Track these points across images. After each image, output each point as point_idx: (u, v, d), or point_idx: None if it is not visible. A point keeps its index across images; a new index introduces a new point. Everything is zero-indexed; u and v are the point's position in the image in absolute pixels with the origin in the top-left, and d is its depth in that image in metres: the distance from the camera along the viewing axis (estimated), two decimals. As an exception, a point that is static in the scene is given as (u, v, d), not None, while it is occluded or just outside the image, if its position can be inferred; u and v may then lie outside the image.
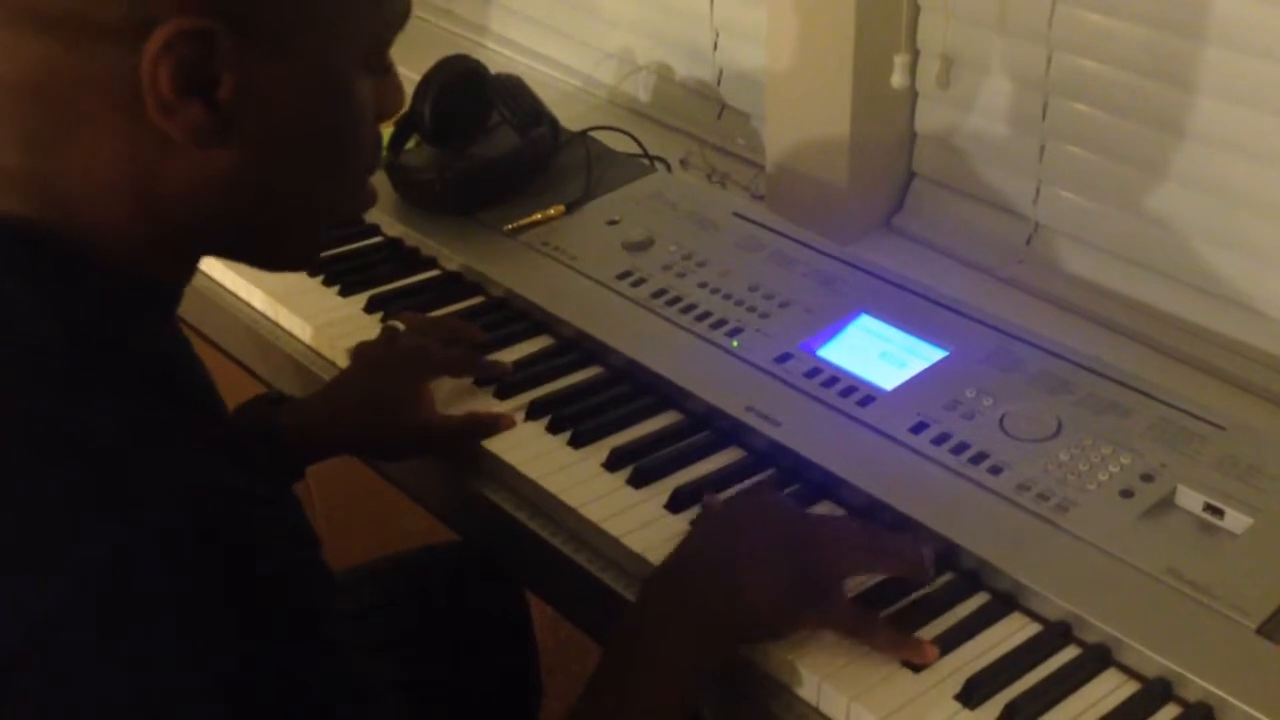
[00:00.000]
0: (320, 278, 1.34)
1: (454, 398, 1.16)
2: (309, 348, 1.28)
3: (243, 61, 0.66)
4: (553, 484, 1.05)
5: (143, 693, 0.59)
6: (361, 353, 1.17)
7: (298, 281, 1.34)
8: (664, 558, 0.93)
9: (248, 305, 1.34)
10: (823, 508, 1.02)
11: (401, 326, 1.18)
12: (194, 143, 0.67)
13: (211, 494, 0.62)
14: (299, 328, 1.29)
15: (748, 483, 1.05)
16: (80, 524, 0.59)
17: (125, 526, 0.59)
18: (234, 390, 1.01)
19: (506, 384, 1.17)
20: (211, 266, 1.38)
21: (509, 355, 1.22)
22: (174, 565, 0.59)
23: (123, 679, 0.59)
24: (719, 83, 1.76)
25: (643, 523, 1.01)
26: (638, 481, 1.05)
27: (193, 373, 0.77)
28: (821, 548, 0.90)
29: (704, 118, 1.79)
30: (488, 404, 1.15)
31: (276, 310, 1.31)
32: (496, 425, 1.11)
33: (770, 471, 1.06)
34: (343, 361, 1.23)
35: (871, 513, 1.00)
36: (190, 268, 0.76)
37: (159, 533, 0.59)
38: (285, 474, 1.12)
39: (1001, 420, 1.06)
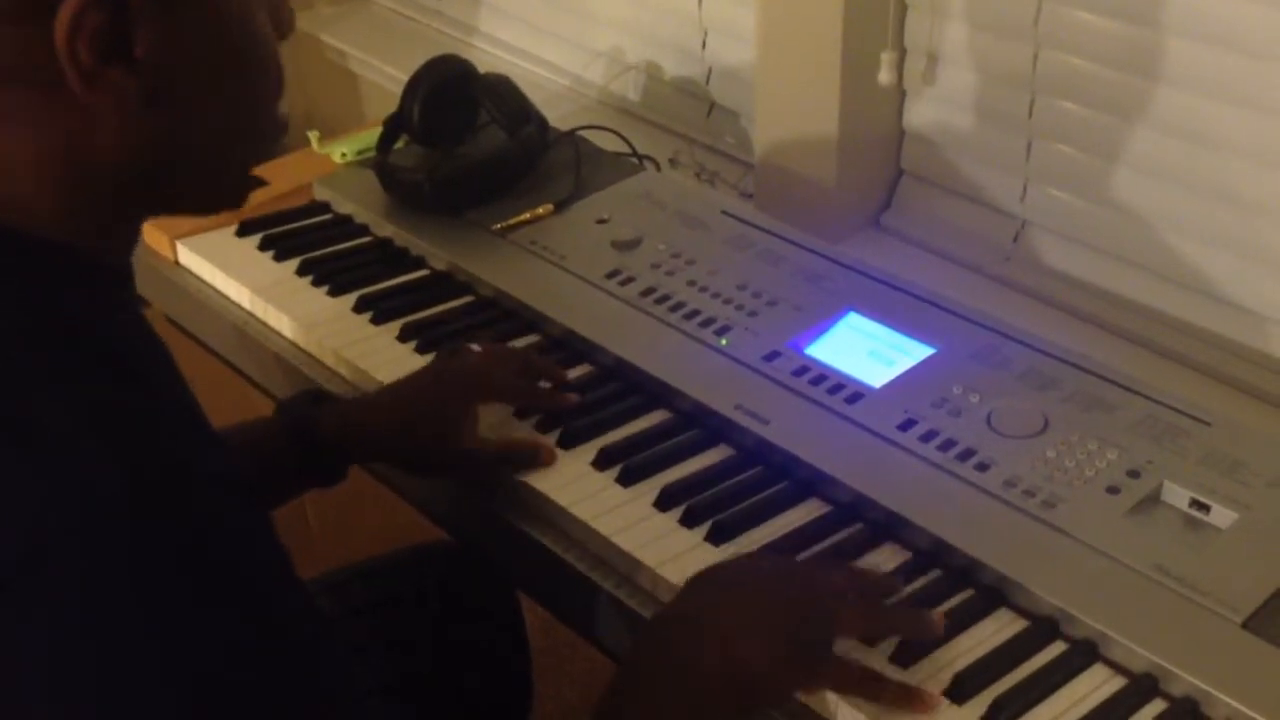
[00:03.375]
0: (310, 277, 1.34)
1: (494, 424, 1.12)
2: (297, 347, 1.27)
3: (151, 15, 0.65)
4: (542, 483, 1.05)
5: (85, 666, 0.59)
6: (424, 368, 1.14)
7: (287, 281, 1.34)
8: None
9: (236, 305, 1.34)
10: (810, 505, 1.03)
11: (476, 348, 1.14)
12: (123, 108, 0.67)
13: (163, 473, 0.62)
14: (287, 327, 1.29)
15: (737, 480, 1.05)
16: (28, 504, 0.60)
17: (72, 504, 0.59)
18: (219, 390, 1.01)
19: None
20: (199, 265, 1.38)
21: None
22: (126, 546, 0.60)
23: (72, 648, 0.59)
24: (708, 81, 1.76)
25: (632, 521, 1.01)
26: (626, 480, 1.05)
27: (149, 350, 0.75)
28: (815, 604, 0.87)
29: (693, 116, 1.79)
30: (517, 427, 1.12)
31: (265, 309, 1.31)
32: (537, 457, 1.07)
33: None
34: (330, 360, 1.24)
35: (859, 509, 1.01)
36: (132, 235, 0.76)
37: (107, 511, 0.60)
38: (322, 475, 1.09)
39: (989, 417, 1.06)
